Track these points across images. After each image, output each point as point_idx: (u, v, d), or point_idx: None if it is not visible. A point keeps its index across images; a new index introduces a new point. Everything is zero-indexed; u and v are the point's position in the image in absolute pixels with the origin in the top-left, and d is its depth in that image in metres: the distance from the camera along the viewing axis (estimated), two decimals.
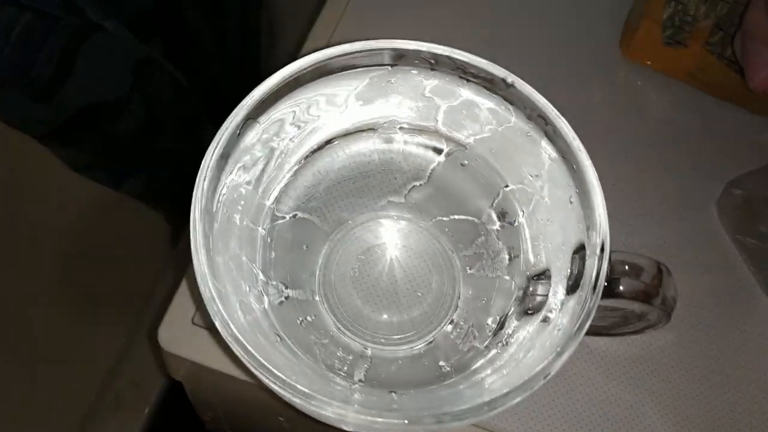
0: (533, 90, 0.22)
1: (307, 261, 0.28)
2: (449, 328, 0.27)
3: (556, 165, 0.23)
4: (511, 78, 0.22)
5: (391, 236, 0.28)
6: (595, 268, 0.20)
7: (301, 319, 0.26)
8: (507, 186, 0.26)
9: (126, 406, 0.59)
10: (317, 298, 0.27)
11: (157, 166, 0.61)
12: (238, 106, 0.22)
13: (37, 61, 0.40)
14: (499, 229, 0.27)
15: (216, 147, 0.21)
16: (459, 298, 0.27)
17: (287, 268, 0.27)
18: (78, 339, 0.66)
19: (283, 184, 0.26)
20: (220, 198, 0.23)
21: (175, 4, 0.56)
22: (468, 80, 0.24)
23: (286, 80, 0.23)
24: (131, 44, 0.48)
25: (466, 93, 0.24)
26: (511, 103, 0.23)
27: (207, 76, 0.63)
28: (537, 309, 0.24)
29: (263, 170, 0.25)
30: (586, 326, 0.19)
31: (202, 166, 0.21)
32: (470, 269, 0.27)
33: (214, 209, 0.22)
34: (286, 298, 0.26)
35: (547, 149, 0.23)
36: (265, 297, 0.25)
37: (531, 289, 0.25)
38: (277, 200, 0.26)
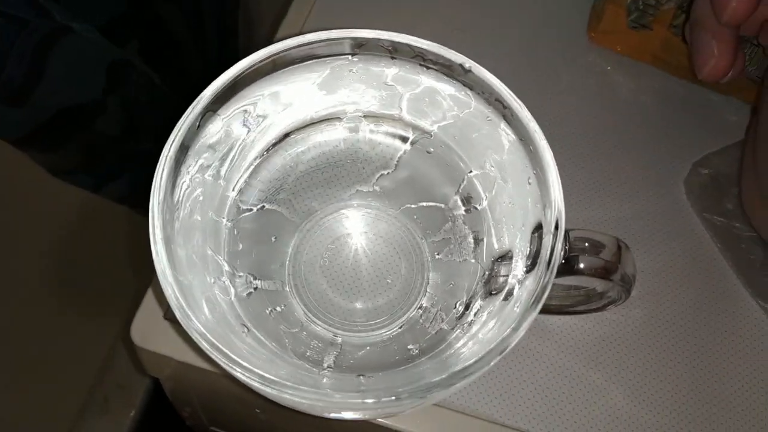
0: (490, 74, 0.23)
1: (277, 252, 0.28)
2: (419, 312, 0.27)
3: (515, 147, 0.23)
4: (468, 63, 0.23)
5: (360, 225, 0.29)
6: (550, 244, 0.20)
7: (270, 309, 0.26)
8: (471, 171, 0.26)
9: (113, 407, 0.59)
10: (287, 289, 0.28)
11: (138, 169, 0.61)
12: (197, 99, 0.22)
13: (7, 65, 0.40)
14: (464, 214, 0.27)
15: (174, 139, 0.21)
16: (428, 283, 0.28)
17: (255, 260, 0.27)
18: (65, 342, 0.66)
19: (247, 175, 0.26)
20: (182, 191, 0.23)
21: (151, 6, 0.56)
22: (428, 67, 0.24)
23: (244, 71, 0.23)
24: (104, 47, 0.48)
25: (427, 80, 0.25)
26: (471, 89, 0.24)
27: (185, 78, 0.63)
28: (500, 289, 0.25)
29: (226, 162, 0.25)
30: (542, 301, 0.20)
31: (160, 158, 0.21)
32: (438, 255, 0.28)
33: (176, 202, 0.23)
34: (255, 289, 0.26)
35: (506, 132, 0.23)
36: (232, 288, 0.25)
37: (495, 270, 0.25)
38: (242, 192, 0.26)
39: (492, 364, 0.19)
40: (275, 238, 0.28)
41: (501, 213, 0.25)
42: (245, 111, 0.25)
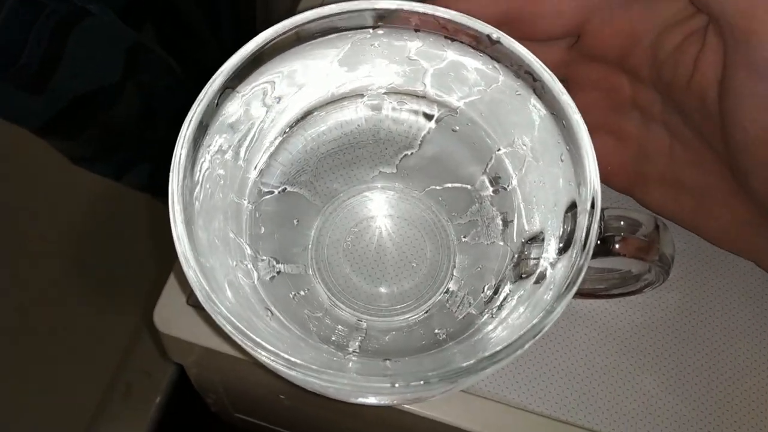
0: (519, 45, 0.21)
1: (299, 235, 0.27)
2: (445, 297, 0.26)
3: (546, 123, 0.22)
4: (496, 34, 0.22)
5: (384, 207, 0.28)
6: (585, 224, 0.19)
7: (293, 293, 0.26)
8: (499, 150, 0.25)
9: (136, 394, 0.59)
10: (310, 272, 0.27)
11: (158, 156, 0.60)
12: (215, 74, 0.21)
13: (26, 49, 0.39)
14: (492, 195, 0.26)
15: (192, 117, 0.21)
16: (454, 267, 0.27)
17: (278, 243, 0.26)
18: (88, 329, 0.66)
19: (267, 156, 0.25)
20: (202, 171, 0.22)
21: None
22: (453, 40, 0.23)
23: (263, 45, 0.22)
24: (122, 30, 0.47)
25: (452, 54, 0.24)
26: (498, 61, 0.23)
27: (202, 64, 0.63)
28: (531, 273, 0.24)
29: (246, 142, 0.24)
30: (577, 283, 0.19)
31: (179, 136, 0.20)
32: (465, 237, 0.27)
33: (196, 182, 0.22)
34: (278, 273, 0.26)
35: (536, 107, 0.22)
36: (255, 272, 0.25)
37: (525, 253, 0.25)
38: (263, 173, 0.26)
39: (525, 348, 0.18)
40: (297, 221, 0.27)
41: (531, 192, 0.24)
42: (264, 89, 0.24)
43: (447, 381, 0.18)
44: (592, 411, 0.27)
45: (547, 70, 0.21)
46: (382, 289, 0.27)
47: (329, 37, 0.23)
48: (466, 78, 0.24)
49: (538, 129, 0.23)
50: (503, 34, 0.22)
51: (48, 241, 0.68)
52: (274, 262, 0.26)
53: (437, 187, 0.28)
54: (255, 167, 0.25)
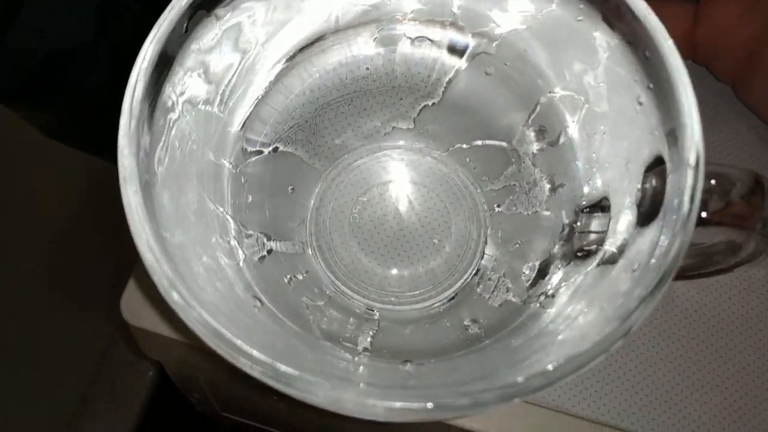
0: None
1: (295, 206, 0.22)
2: (474, 279, 0.21)
3: (618, 56, 0.17)
4: None
5: (399, 171, 0.23)
6: (688, 183, 0.14)
7: (288, 277, 0.21)
8: (549, 93, 0.20)
9: (119, 393, 0.54)
10: (309, 251, 0.22)
11: None
12: None
13: None
14: (536, 152, 0.21)
15: (152, 41, 0.15)
16: (485, 242, 0.22)
17: (268, 216, 0.21)
18: (70, 326, 0.62)
19: (254, 103, 0.20)
20: (168, 120, 0.17)
21: None
22: None
23: None
24: None
25: None
26: None
27: None
28: (591, 250, 0.19)
29: (226, 85, 0.19)
30: (679, 262, 0.14)
31: (132, 71, 0.15)
32: (499, 207, 0.22)
33: (159, 137, 0.17)
34: (269, 252, 0.21)
35: (604, 37, 0.17)
36: (240, 251, 0.19)
37: (581, 224, 0.19)
38: (248, 127, 0.21)
39: (612, 351, 0.13)
40: (293, 188, 0.22)
41: (592, 147, 0.19)
42: (251, 13, 0.18)
43: (504, 399, 0.13)
44: (663, 419, 0.22)
45: None
46: (398, 271, 0.22)
47: None
48: (507, 2, 0.19)
49: (605, 65, 0.18)
50: None
51: (26, 240, 0.64)
52: (264, 239, 0.21)
53: (464, 146, 0.22)
54: (238, 119, 0.20)
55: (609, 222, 0.18)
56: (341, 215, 0.22)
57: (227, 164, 0.20)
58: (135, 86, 0.15)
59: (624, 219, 0.18)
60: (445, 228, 0.22)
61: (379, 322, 0.21)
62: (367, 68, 0.22)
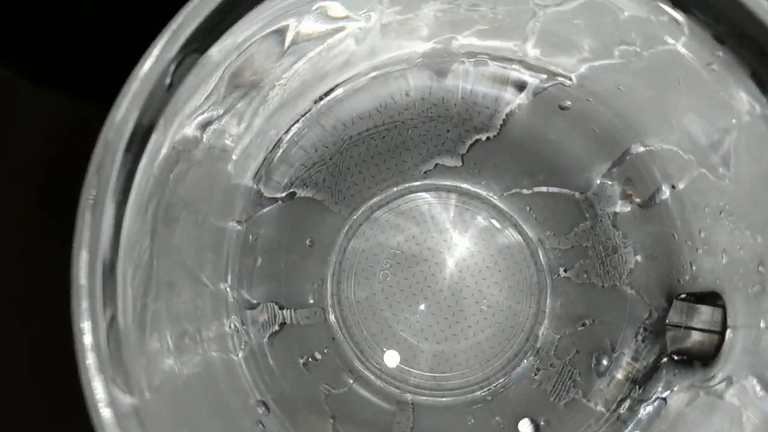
0: None
1: (313, 263, 0.19)
2: (532, 362, 0.18)
3: (761, 126, 0.13)
4: None
5: (441, 219, 0.19)
6: None
7: (305, 358, 0.17)
8: (644, 143, 0.16)
9: None
10: (331, 319, 0.18)
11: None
12: (167, 28, 0.11)
13: None
14: (618, 211, 0.17)
15: (120, 112, 0.11)
16: (546, 316, 0.18)
17: (282, 278, 0.18)
18: None
19: (270, 147, 0.16)
20: (147, 176, 0.13)
21: None
22: None
23: None
24: None
25: None
26: (686, 11, 0.12)
27: None
28: (694, 356, 0.15)
29: (230, 131, 0.15)
30: None
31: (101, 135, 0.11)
32: (565, 271, 0.18)
33: (134, 188, 0.12)
34: (281, 326, 0.17)
35: (747, 98, 0.13)
36: (238, 338, 0.15)
37: (677, 315, 0.15)
38: (261, 175, 0.16)
39: None
40: (311, 241, 0.18)
41: (700, 222, 0.15)
42: (265, 40, 0.14)
43: None
44: None
45: None
46: (437, 344, 0.19)
47: None
48: (604, 28, 0.14)
49: (740, 129, 0.13)
50: None
51: None
52: (276, 308, 0.17)
53: (524, 191, 0.18)
54: (249, 170, 0.16)
55: (723, 324, 0.14)
56: (369, 272, 0.18)
57: (232, 224, 0.16)
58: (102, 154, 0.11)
59: (748, 335, 0.14)
60: (496, 291, 0.18)
61: (413, 410, 0.17)
62: (407, 93, 0.17)
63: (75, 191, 0.11)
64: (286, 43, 0.14)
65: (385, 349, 0.18)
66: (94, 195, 0.10)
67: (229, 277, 0.16)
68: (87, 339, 0.11)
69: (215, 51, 0.12)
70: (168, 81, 0.11)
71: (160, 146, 0.12)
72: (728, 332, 0.14)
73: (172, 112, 0.12)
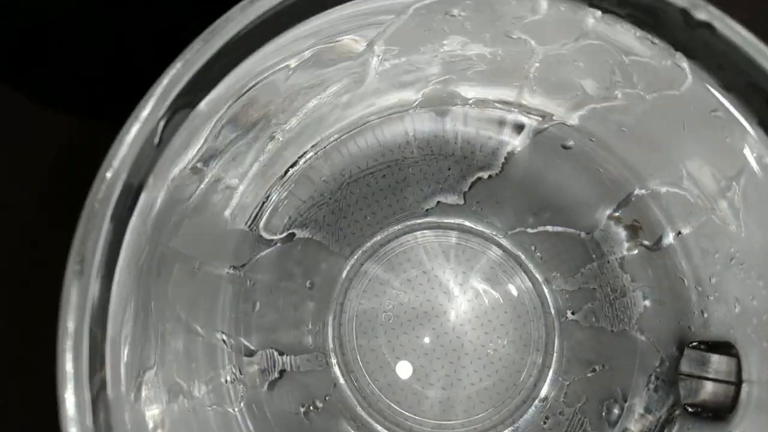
0: (750, 35, 0.11)
1: (313, 306, 0.18)
2: (540, 409, 0.17)
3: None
4: (704, 12, 0.11)
5: (444, 258, 0.18)
6: None
7: (305, 406, 0.17)
8: (649, 185, 0.15)
9: None
10: (333, 363, 0.17)
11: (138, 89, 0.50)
12: (154, 87, 0.11)
13: None
14: (626, 253, 0.16)
15: (107, 175, 0.10)
16: (554, 360, 0.17)
17: (281, 323, 0.17)
18: None
19: (268, 190, 0.15)
20: (138, 235, 0.12)
21: None
22: (605, 9, 0.12)
23: (251, 23, 0.11)
24: None
25: (598, 28, 0.13)
26: (691, 57, 0.12)
27: None
28: (708, 408, 0.14)
29: (233, 175, 0.14)
30: None
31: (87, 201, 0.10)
32: (573, 314, 0.17)
33: (124, 249, 0.12)
34: (281, 373, 0.16)
35: (757, 146, 0.12)
36: (235, 389, 0.15)
37: (689, 364, 0.15)
38: (258, 218, 0.16)
39: None
40: (311, 283, 0.17)
41: (710, 268, 0.15)
42: (261, 88, 0.13)
43: None
44: None
45: None
46: (442, 390, 0.18)
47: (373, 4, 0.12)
48: (608, 70, 0.14)
49: (748, 177, 0.13)
50: (719, 13, 0.11)
51: None
52: (276, 354, 0.16)
53: (529, 230, 0.18)
54: (246, 214, 0.15)
55: (738, 374, 0.14)
56: (371, 314, 0.18)
57: (229, 270, 0.16)
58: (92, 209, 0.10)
59: (764, 392, 0.13)
60: (502, 334, 0.18)
61: None
62: (407, 133, 0.17)
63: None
64: (282, 89, 0.14)
65: (388, 395, 0.18)
66: (80, 265, 0.10)
67: (225, 325, 0.16)
68: (71, 411, 0.10)
69: (205, 104, 0.12)
70: (157, 140, 0.11)
71: (151, 203, 0.12)
72: (744, 386, 0.14)
73: (163, 168, 0.12)
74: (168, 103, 0.11)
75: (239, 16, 0.11)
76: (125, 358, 0.12)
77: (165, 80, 0.10)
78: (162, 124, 0.11)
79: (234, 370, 0.16)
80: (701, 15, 0.11)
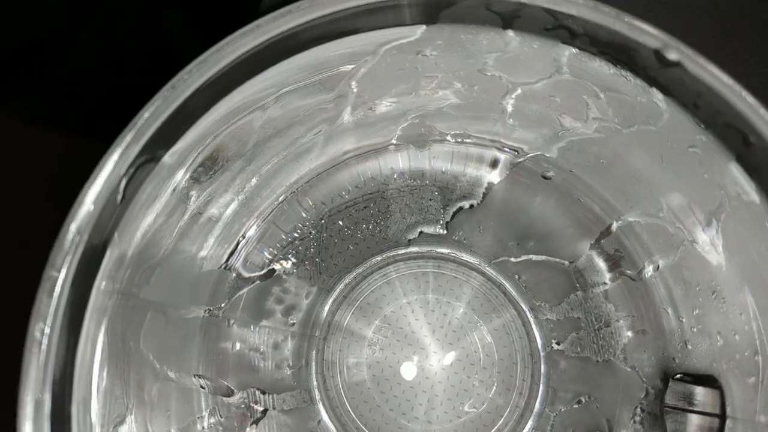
0: (726, 76, 0.11)
1: (296, 342, 0.18)
2: None
3: (749, 211, 0.12)
4: (675, 52, 0.11)
5: (428, 288, 0.18)
6: None
7: None
8: (627, 218, 0.15)
9: None
10: (317, 399, 0.17)
11: (128, 105, 0.49)
12: (120, 140, 0.10)
13: None
14: (608, 282, 0.16)
15: (67, 238, 0.10)
16: (540, 391, 0.17)
17: (263, 361, 0.17)
18: None
19: (244, 231, 0.15)
20: (104, 294, 0.12)
21: None
22: (581, 48, 0.12)
23: (226, 67, 0.11)
24: None
25: (573, 65, 0.13)
26: (667, 94, 0.12)
27: None
28: None
29: (208, 217, 0.14)
30: None
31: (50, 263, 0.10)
32: (558, 344, 0.17)
33: (89, 310, 0.12)
34: (264, 413, 0.16)
35: (736, 184, 0.12)
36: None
37: (675, 396, 0.15)
38: (236, 258, 0.16)
39: None
40: (293, 320, 0.17)
41: (692, 300, 0.14)
42: (228, 135, 0.13)
43: None
44: None
45: None
46: (429, 425, 0.17)
47: (347, 40, 0.12)
48: (584, 106, 0.14)
49: (730, 212, 0.12)
50: (690, 51, 0.11)
51: None
52: (258, 394, 0.16)
53: (513, 259, 0.17)
54: (222, 255, 0.15)
55: (723, 407, 0.14)
56: (355, 348, 0.18)
57: (203, 314, 0.15)
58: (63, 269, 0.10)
59: (747, 429, 0.13)
60: (488, 364, 0.18)
61: None
62: (386, 167, 0.17)
63: None
64: (251, 140, 0.14)
65: (373, 430, 0.17)
66: (41, 333, 0.10)
67: (202, 367, 0.16)
68: None
69: (169, 156, 0.12)
70: (120, 197, 0.11)
71: (119, 259, 0.11)
72: (728, 422, 0.14)
73: (128, 223, 0.12)
74: (129, 160, 0.10)
75: (201, 67, 0.11)
76: (97, 413, 0.12)
77: (128, 136, 0.10)
78: (124, 182, 0.11)
79: (214, 414, 0.16)
80: (673, 55, 0.11)
